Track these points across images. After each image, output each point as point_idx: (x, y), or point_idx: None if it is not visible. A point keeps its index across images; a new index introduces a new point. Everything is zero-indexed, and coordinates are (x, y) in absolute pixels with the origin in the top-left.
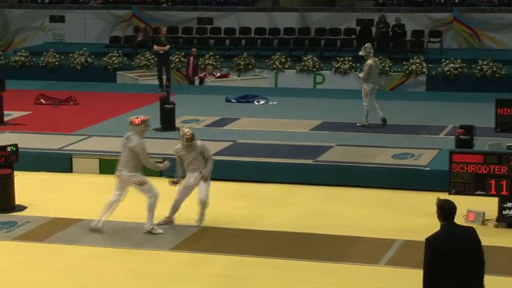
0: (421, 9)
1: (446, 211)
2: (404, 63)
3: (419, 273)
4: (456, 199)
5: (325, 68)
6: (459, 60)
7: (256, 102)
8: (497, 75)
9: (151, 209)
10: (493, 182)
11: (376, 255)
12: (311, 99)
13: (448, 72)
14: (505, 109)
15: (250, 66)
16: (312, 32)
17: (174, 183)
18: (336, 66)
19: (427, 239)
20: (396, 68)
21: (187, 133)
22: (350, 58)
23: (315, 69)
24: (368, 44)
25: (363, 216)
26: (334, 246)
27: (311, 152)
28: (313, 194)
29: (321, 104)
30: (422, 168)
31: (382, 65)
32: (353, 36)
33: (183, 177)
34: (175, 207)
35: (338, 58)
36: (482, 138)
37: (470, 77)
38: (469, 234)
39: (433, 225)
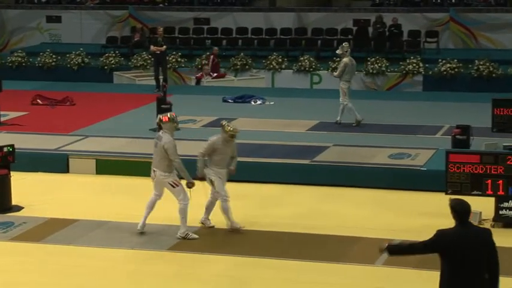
0: (417, 9)
1: (458, 212)
2: (401, 63)
3: (416, 273)
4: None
5: (321, 68)
6: (456, 60)
7: (253, 103)
8: (493, 75)
9: (182, 214)
10: (489, 182)
11: (373, 255)
12: (308, 100)
13: (445, 72)
14: (502, 109)
15: (247, 67)
16: (309, 32)
17: (191, 185)
18: (333, 66)
19: (438, 230)
20: (393, 68)
21: (235, 130)
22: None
23: (311, 69)
24: (345, 43)
25: (360, 217)
26: (331, 247)
27: (308, 152)
28: (310, 194)
29: (317, 104)
30: (419, 168)
31: (379, 65)
32: (350, 37)
33: (201, 179)
34: (210, 208)
35: (335, 58)
36: (478, 138)
37: (467, 77)
38: (483, 235)
39: (430, 225)
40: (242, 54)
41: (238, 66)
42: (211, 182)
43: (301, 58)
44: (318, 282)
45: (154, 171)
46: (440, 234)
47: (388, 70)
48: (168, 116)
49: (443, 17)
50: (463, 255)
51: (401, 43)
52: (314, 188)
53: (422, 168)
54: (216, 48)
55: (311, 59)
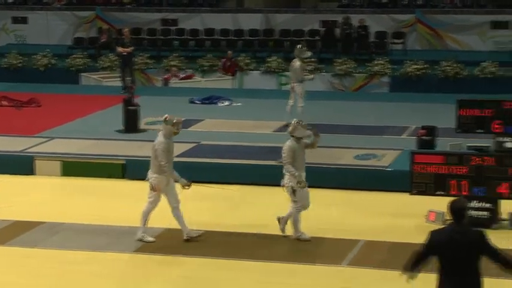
0: (384, 10)
1: (451, 209)
2: (368, 64)
3: (381, 273)
4: (418, 199)
5: (289, 70)
6: (422, 62)
7: (220, 104)
8: (459, 76)
9: (145, 216)
10: (453, 182)
11: (339, 255)
12: (275, 101)
13: (411, 73)
14: (466, 110)
15: (214, 68)
16: (277, 34)
17: (187, 187)
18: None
19: (431, 231)
20: (360, 69)
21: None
22: (314, 59)
23: (279, 70)
24: (301, 44)
25: (326, 217)
26: (298, 247)
27: (275, 153)
28: (277, 195)
29: (285, 105)
30: (385, 168)
31: (347, 66)
32: (317, 38)
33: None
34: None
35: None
36: (444, 139)
37: (433, 78)
38: (472, 236)
39: (396, 225)
40: (210, 55)
41: (205, 67)
42: (293, 191)
43: (269, 59)
44: (285, 283)
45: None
46: (432, 234)
47: (355, 71)
48: (175, 120)
49: (409, 19)
50: (452, 255)
51: (369, 44)
52: (281, 189)
53: (388, 169)
54: (230, 52)
55: (279, 60)
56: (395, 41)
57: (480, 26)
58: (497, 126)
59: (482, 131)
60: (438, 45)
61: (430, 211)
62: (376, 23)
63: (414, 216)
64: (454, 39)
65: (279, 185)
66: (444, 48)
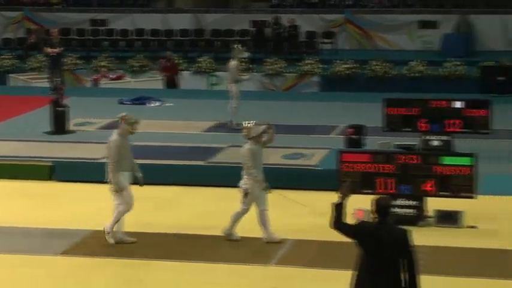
0: (314, 10)
1: (379, 206)
2: (298, 64)
3: (310, 272)
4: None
5: (220, 69)
6: (351, 61)
7: (150, 104)
8: (388, 75)
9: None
10: (380, 180)
11: (268, 254)
12: (206, 101)
13: (341, 73)
14: (393, 109)
15: (145, 68)
16: (207, 34)
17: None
18: None
19: (361, 221)
20: (290, 69)
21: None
22: (245, 59)
23: (210, 70)
24: (239, 45)
25: (255, 217)
26: (226, 247)
27: (204, 153)
28: (206, 195)
29: (215, 105)
30: (313, 167)
31: (278, 66)
32: (248, 38)
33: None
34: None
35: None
36: (373, 138)
37: (363, 77)
38: (398, 234)
39: (324, 224)
40: (140, 55)
41: (136, 68)
42: (245, 195)
43: (200, 59)
44: (215, 283)
45: None
46: (361, 224)
47: (286, 71)
48: (133, 119)
49: (339, 18)
50: (377, 251)
51: (299, 44)
52: (210, 189)
53: (316, 168)
54: (169, 52)
55: (209, 60)
56: (325, 40)
57: (408, 26)
58: (423, 124)
59: (409, 129)
60: (367, 45)
61: (357, 209)
62: (306, 22)
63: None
64: (382, 38)
65: (207, 185)
66: (373, 47)
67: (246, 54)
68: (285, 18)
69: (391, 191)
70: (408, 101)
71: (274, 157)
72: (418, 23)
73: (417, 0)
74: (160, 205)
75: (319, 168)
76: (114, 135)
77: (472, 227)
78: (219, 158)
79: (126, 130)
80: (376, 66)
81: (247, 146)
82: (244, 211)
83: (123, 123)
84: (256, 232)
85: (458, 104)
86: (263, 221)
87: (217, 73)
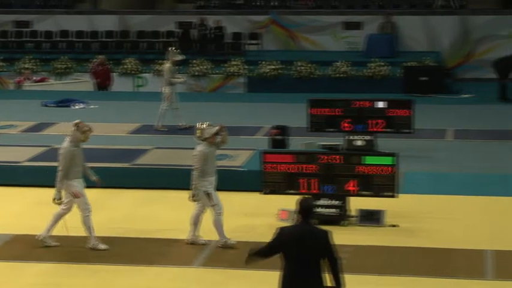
0: (239, 11)
1: (302, 207)
2: (224, 65)
3: (233, 273)
4: (269, 198)
5: (146, 71)
6: (277, 62)
7: (75, 106)
8: (313, 76)
9: (87, 224)
10: (303, 180)
11: (191, 256)
12: (131, 102)
13: (267, 74)
14: (317, 109)
15: (69, 70)
16: (133, 35)
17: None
18: (156, 68)
19: (280, 228)
20: (216, 70)
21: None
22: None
23: (135, 72)
24: (174, 47)
25: (180, 219)
26: (149, 249)
27: (129, 156)
28: (130, 198)
29: (141, 107)
30: (238, 168)
31: (205, 67)
32: (173, 39)
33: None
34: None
35: (158, 61)
36: (298, 138)
37: (288, 78)
38: (319, 235)
39: (248, 225)
40: (65, 57)
41: (60, 70)
42: (208, 195)
43: (125, 61)
44: (138, 285)
45: None
46: (279, 232)
47: (212, 72)
48: (85, 127)
49: (264, 20)
50: (299, 253)
51: (224, 45)
52: (134, 191)
53: (241, 169)
54: (102, 56)
55: (135, 61)
56: (251, 41)
57: (333, 27)
58: (347, 124)
59: (332, 129)
60: (293, 46)
61: (281, 210)
62: (232, 24)
63: (266, 216)
64: (308, 39)
65: (131, 188)
66: (299, 48)
67: (180, 57)
68: (211, 20)
69: (314, 191)
70: (331, 101)
71: None
72: (343, 24)
73: (342, 1)
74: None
75: (244, 169)
76: (65, 142)
77: (394, 225)
78: (144, 160)
79: (77, 138)
80: (301, 67)
81: (200, 147)
82: (220, 212)
83: (76, 130)
84: (179, 233)
85: (381, 104)
86: (196, 221)
87: (143, 75)
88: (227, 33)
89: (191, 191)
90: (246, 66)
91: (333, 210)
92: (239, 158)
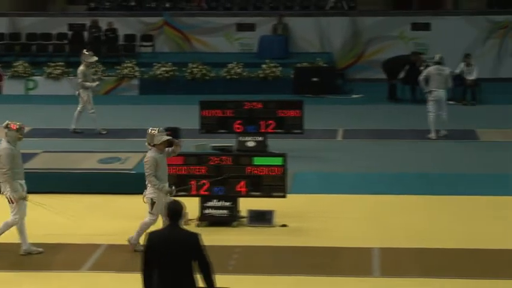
0: (132, 13)
1: (170, 210)
2: (117, 67)
3: (122, 277)
4: None
5: (37, 74)
6: (170, 64)
7: None
8: (207, 77)
9: (20, 230)
10: (193, 182)
11: (79, 261)
12: (22, 106)
13: (160, 76)
14: (208, 110)
15: None
16: (23, 37)
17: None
18: (48, 71)
19: (148, 233)
20: (109, 72)
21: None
22: (62, 63)
23: (26, 75)
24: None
25: (66, 223)
26: (38, 256)
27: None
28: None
29: (32, 111)
30: (128, 171)
31: (96, 70)
32: (65, 41)
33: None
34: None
35: (50, 63)
36: (190, 140)
37: (181, 80)
38: (187, 238)
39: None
40: None
41: None
42: (152, 204)
43: (16, 64)
44: None
45: None
46: (147, 238)
47: (105, 74)
48: (18, 125)
49: (157, 21)
50: (168, 257)
51: (117, 47)
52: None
53: (131, 172)
54: None
55: (25, 64)
56: (144, 43)
57: (226, 28)
58: (238, 126)
59: (224, 131)
60: (186, 48)
61: None
62: (125, 25)
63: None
64: (201, 41)
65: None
66: (192, 50)
67: (94, 59)
68: (103, 22)
69: (205, 193)
70: (222, 102)
71: (90, 161)
72: (236, 25)
73: (235, 3)
74: None
75: (133, 172)
76: (3, 143)
77: (284, 225)
78: (32, 165)
79: (14, 137)
80: (195, 69)
81: (150, 153)
82: (153, 221)
83: (9, 131)
84: (67, 238)
85: (272, 105)
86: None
87: (34, 77)
88: (120, 35)
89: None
90: (139, 68)
91: (224, 211)
92: (130, 160)
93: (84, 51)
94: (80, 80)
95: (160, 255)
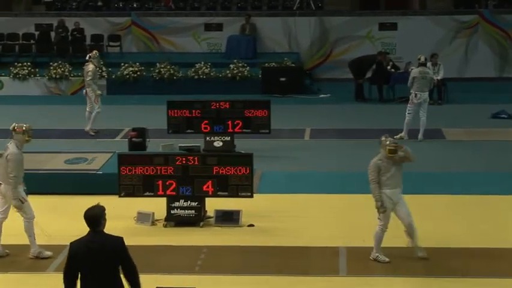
0: (99, 13)
1: (85, 218)
2: (83, 67)
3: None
4: (127, 201)
5: (3, 74)
6: (138, 64)
7: None
8: (175, 77)
9: (29, 232)
10: (160, 182)
11: (45, 262)
12: None
13: (128, 76)
14: (176, 111)
15: None
16: None
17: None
18: (15, 72)
19: (70, 243)
20: (76, 72)
21: (395, 145)
22: (29, 63)
23: None
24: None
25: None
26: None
27: None
28: None
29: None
30: (95, 172)
31: (62, 70)
32: (32, 41)
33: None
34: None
35: (16, 64)
36: (158, 140)
37: (149, 80)
38: (113, 242)
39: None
40: None
41: None
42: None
43: None
44: None
45: None
46: (71, 246)
47: (72, 75)
48: (24, 127)
49: (125, 21)
50: (90, 264)
51: (85, 47)
52: None
53: (98, 172)
54: None
55: None
56: (112, 43)
57: (194, 28)
58: (205, 126)
59: (191, 131)
60: (154, 48)
61: (138, 212)
62: (92, 26)
63: (124, 218)
64: (169, 41)
65: None
66: (160, 50)
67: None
68: (70, 22)
69: (172, 193)
70: (189, 103)
71: (57, 162)
72: (204, 25)
73: (202, 2)
74: None
75: (100, 173)
76: (11, 147)
77: (251, 225)
78: None
79: (22, 140)
80: (163, 69)
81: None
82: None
83: (17, 133)
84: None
85: (239, 105)
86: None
87: (0, 78)
88: (87, 35)
89: None
90: (107, 69)
91: (191, 211)
92: (96, 161)
93: (94, 52)
94: (89, 79)
95: (83, 263)
